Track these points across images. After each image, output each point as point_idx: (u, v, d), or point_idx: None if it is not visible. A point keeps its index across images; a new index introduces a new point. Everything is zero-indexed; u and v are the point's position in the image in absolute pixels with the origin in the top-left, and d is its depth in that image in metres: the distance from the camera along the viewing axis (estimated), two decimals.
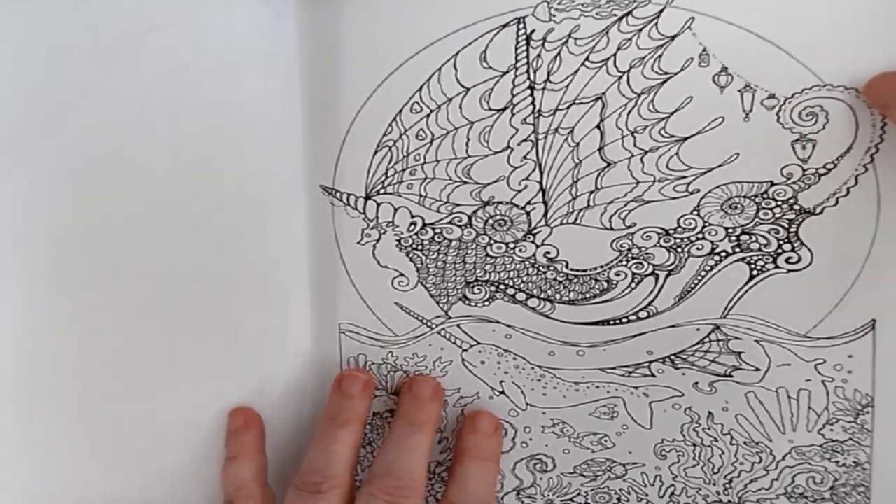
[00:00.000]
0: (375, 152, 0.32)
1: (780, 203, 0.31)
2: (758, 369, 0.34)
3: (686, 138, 0.31)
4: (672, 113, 0.31)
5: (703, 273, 0.33)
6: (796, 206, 0.31)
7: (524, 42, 0.31)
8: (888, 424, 0.33)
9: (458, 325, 0.34)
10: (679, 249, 0.32)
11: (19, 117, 0.29)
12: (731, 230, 0.32)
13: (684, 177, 0.32)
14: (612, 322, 0.34)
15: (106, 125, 0.29)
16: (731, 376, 0.34)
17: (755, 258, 0.32)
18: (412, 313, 0.34)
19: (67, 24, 0.28)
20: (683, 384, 0.34)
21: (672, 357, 0.34)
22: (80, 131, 0.29)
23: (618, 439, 0.35)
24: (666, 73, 0.31)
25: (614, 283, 0.33)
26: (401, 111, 0.32)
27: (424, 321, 0.34)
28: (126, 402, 0.33)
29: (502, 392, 0.35)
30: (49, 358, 0.32)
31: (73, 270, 0.31)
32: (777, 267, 0.32)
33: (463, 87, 0.32)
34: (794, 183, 0.31)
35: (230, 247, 0.32)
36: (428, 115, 0.32)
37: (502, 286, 0.34)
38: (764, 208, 0.31)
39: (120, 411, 0.33)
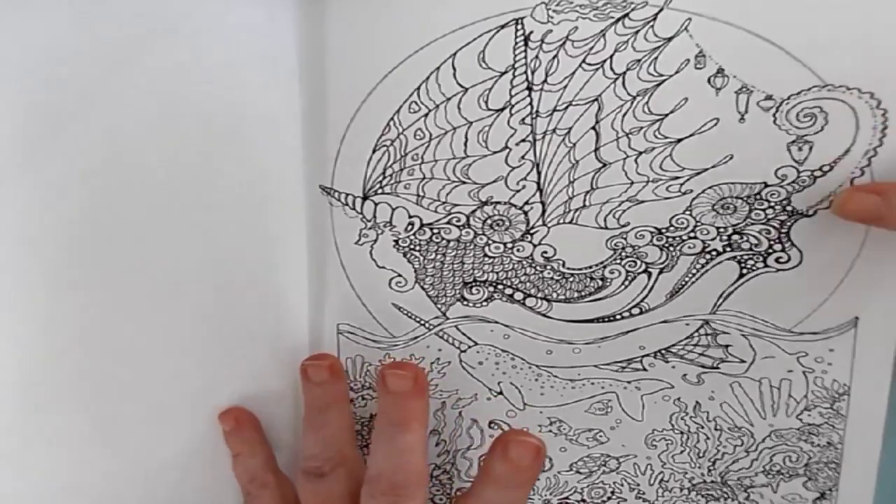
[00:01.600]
0: (373, 152, 0.29)
1: (772, 204, 0.29)
2: (743, 361, 0.32)
3: (680, 140, 0.29)
4: (667, 115, 0.29)
5: (694, 271, 0.31)
6: (789, 208, 0.29)
7: (522, 43, 0.28)
8: (861, 410, 0.32)
9: (456, 326, 0.32)
10: (671, 248, 0.30)
11: (22, 122, 0.27)
12: (722, 230, 0.30)
13: (677, 177, 0.29)
14: (606, 319, 0.31)
15: (107, 128, 0.27)
16: (717, 368, 0.32)
17: (745, 257, 0.30)
18: (410, 314, 0.31)
19: (67, 30, 0.26)
20: (673, 376, 0.32)
21: (663, 351, 0.32)
22: (82, 135, 0.27)
23: (611, 433, 0.33)
24: (661, 76, 0.29)
25: (609, 280, 0.31)
26: (399, 111, 0.29)
27: (422, 322, 0.32)
28: (125, 401, 0.31)
29: (500, 393, 0.33)
30: (52, 355, 0.30)
31: (76, 270, 0.29)
32: (766, 266, 0.30)
33: (461, 86, 0.29)
34: (788, 184, 0.29)
35: (230, 247, 0.29)
36: (426, 115, 0.29)
37: (500, 286, 0.31)
38: (756, 209, 0.29)
39: (120, 410, 0.31)
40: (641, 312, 0.31)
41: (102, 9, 0.25)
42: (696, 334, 0.32)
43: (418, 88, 0.29)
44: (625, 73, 0.29)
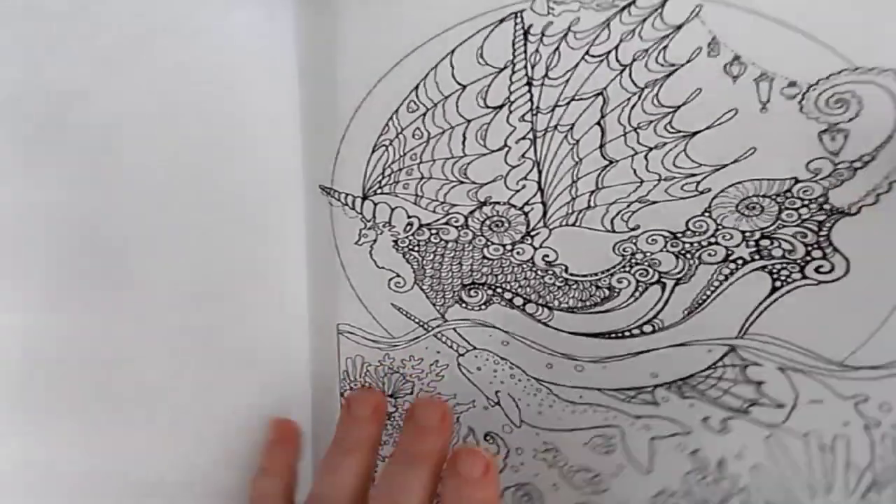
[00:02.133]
0: (372, 152, 0.29)
1: (806, 202, 0.25)
2: (781, 405, 0.26)
3: (695, 133, 0.25)
4: (678, 107, 0.26)
5: (716, 283, 0.26)
6: (827, 206, 0.24)
7: (521, 37, 0.27)
8: None
9: (454, 329, 0.30)
10: (688, 255, 0.26)
11: (21, 121, 0.27)
12: (748, 234, 0.26)
13: (693, 175, 0.26)
14: (613, 335, 0.28)
15: (106, 128, 0.27)
16: (747, 412, 0.27)
17: (778, 267, 0.25)
18: (409, 315, 0.30)
19: (68, 30, 0.26)
20: (690, 418, 0.27)
21: (679, 383, 0.27)
22: (82, 134, 0.27)
23: (611, 482, 0.29)
24: (672, 65, 0.26)
25: (616, 290, 0.27)
26: (397, 110, 0.28)
27: (421, 323, 0.30)
28: (125, 402, 0.30)
29: (497, 403, 0.30)
30: (51, 357, 0.29)
31: (74, 270, 0.29)
32: (805, 277, 0.25)
33: (459, 84, 0.28)
34: (823, 179, 0.24)
35: (230, 247, 0.29)
36: (424, 114, 0.28)
37: (499, 290, 0.29)
38: (788, 209, 0.25)
39: (119, 411, 0.30)
40: (654, 330, 0.27)
41: (103, 8, 0.26)
42: (720, 364, 0.27)
43: (416, 87, 0.28)
44: (631, 63, 0.26)
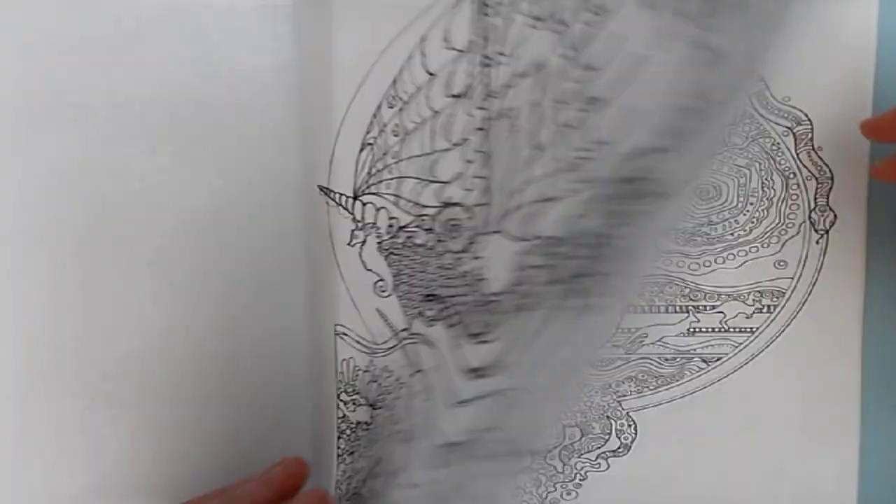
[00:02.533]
0: (360, 151, 0.28)
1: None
2: None
3: (607, 100, 0.19)
4: (600, 68, 0.19)
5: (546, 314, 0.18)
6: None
7: (480, 11, 0.23)
8: None
9: (414, 343, 0.26)
10: (554, 270, 0.19)
11: (19, 117, 0.27)
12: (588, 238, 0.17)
13: (587, 157, 0.19)
14: (475, 373, 0.21)
15: (105, 126, 0.27)
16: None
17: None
18: (387, 321, 0.28)
19: (67, 28, 0.27)
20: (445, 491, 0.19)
21: (459, 444, 0.20)
22: (80, 132, 0.27)
23: None
24: (607, 11, 0.19)
25: (499, 317, 0.21)
26: (380, 107, 0.27)
27: (395, 332, 0.27)
28: (123, 403, 0.29)
29: (409, 439, 0.25)
30: (48, 358, 0.29)
31: (70, 271, 0.28)
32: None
33: (429, 74, 0.25)
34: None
35: (229, 247, 0.29)
36: (401, 109, 0.27)
37: (447, 304, 0.25)
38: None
39: (116, 413, 0.30)
40: (491, 375, 0.20)
41: (101, 6, 0.26)
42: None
43: (395, 82, 0.27)
44: (569, 20, 0.20)
